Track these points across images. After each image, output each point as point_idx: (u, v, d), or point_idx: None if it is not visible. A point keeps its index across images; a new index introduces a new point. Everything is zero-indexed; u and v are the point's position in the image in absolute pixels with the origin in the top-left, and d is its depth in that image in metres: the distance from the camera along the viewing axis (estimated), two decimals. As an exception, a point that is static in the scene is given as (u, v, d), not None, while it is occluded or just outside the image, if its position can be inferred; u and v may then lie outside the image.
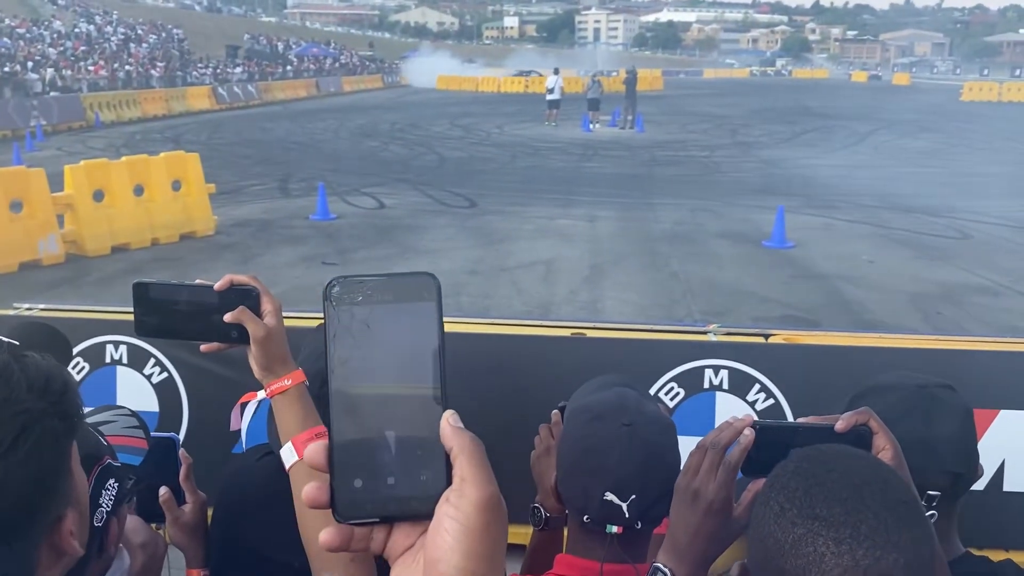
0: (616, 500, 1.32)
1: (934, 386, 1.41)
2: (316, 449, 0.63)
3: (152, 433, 1.48)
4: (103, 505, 1.22)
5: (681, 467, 1.36)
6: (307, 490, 0.63)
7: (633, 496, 1.32)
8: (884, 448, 1.07)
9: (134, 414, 1.49)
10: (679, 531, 1.14)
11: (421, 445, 0.62)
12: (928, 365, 3.15)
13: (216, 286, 1.28)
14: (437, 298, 0.63)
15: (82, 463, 1.16)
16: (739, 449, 1.09)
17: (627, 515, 1.32)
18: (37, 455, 0.85)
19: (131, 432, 1.45)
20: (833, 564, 0.84)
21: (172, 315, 1.29)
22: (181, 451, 1.47)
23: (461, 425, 0.62)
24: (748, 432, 1.09)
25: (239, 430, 1.67)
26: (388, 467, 0.62)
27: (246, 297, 1.28)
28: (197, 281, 1.31)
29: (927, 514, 1.09)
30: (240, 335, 1.28)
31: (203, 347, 1.31)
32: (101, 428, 1.34)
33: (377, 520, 0.62)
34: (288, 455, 1.29)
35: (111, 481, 1.25)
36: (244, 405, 1.64)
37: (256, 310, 1.29)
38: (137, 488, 1.36)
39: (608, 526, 1.33)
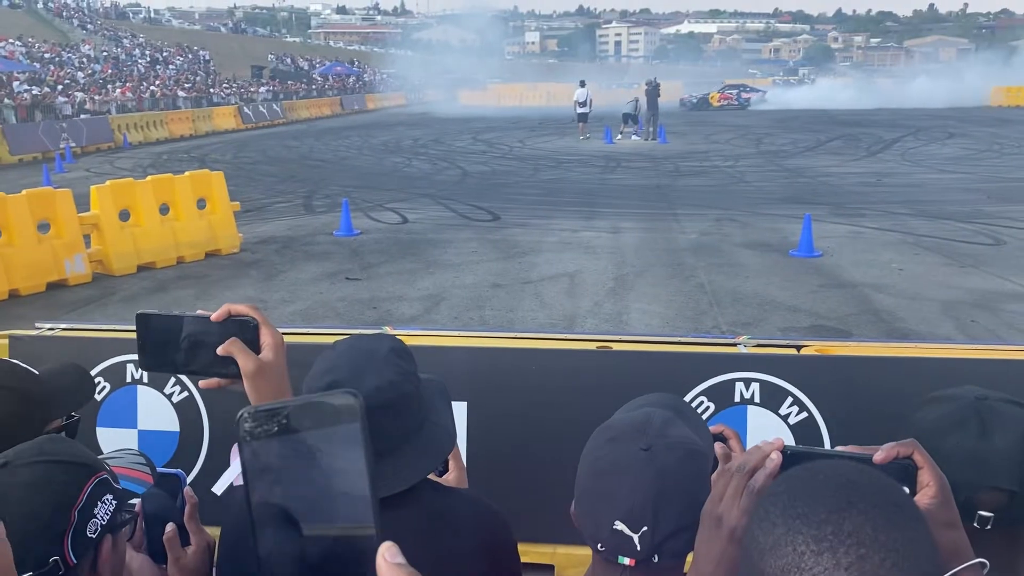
0: (627, 531, 1.21)
1: (996, 399, 1.29)
2: None
3: (158, 468, 1.43)
4: (97, 516, 1.18)
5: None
6: None
7: (645, 528, 1.20)
8: (928, 484, 0.97)
9: (142, 454, 1.45)
10: (702, 559, 1.07)
11: None
12: (968, 376, 3.03)
13: (213, 316, 1.19)
14: (361, 418, 0.56)
15: (75, 471, 1.16)
16: (764, 474, 1.00)
17: (639, 547, 1.20)
18: None
19: (137, 466, 1.40)
20: (812, 563, 0.76)
21: (174, 348, 1.20)
22: (186, 489, 1.39)
23: (400, 559, 0.55)
24: (775, 456, 1.00)
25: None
26: None
27: (243, 329, 1.19)
28: (198, 312, 1.22)
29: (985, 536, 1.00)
30: (239, 369, 1.18)
31: (202, 383, 1.21)
32: (108, 462, 1.30)
33: None
34: None
35: (108, 496, 1.21)
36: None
37: (254, 342, 1.18)
38: (133, 518, 1.30)
39: (620, 557, 1.22)
